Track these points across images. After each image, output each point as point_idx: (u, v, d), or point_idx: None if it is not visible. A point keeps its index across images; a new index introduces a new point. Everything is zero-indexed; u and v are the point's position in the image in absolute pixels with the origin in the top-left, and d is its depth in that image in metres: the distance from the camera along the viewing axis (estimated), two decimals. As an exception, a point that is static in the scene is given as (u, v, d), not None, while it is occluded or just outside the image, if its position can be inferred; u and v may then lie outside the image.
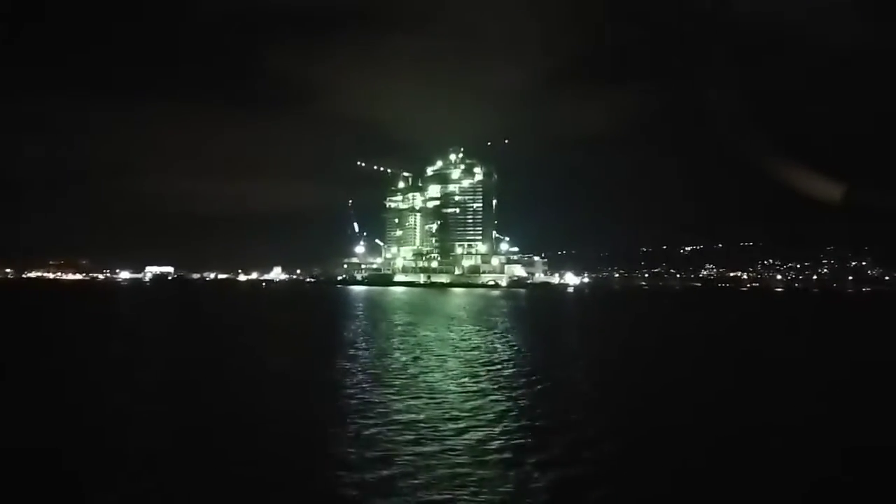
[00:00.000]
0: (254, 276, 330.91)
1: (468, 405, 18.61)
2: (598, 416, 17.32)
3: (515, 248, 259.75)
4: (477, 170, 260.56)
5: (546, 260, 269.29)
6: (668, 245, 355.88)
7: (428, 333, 39.04)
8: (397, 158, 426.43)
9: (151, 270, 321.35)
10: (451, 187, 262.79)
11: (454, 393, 20.39)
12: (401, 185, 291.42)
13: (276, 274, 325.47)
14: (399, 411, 17.76)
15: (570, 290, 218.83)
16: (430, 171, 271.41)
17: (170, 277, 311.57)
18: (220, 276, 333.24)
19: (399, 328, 42.56)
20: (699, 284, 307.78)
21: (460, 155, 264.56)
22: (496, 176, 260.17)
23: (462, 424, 16.23)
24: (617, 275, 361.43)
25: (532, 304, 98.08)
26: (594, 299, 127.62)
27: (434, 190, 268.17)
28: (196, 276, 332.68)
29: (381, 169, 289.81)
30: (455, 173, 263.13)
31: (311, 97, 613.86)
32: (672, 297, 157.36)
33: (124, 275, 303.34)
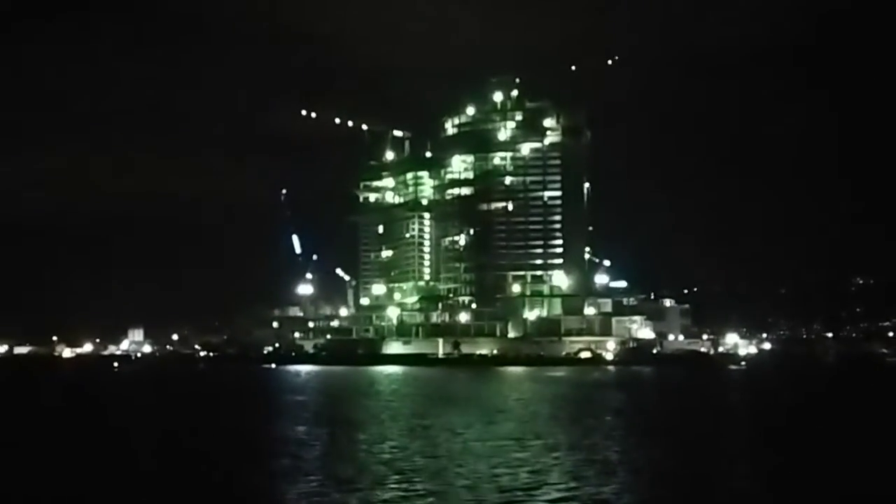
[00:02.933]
0: (87, 348, 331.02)
1: None
2: None
3: (623, 283, 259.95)
4: (549, 121, 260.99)
5: (687, 307, 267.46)
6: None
7: None
8: (380, 104, 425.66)
9: None
10: (499, 158, 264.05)
11: None
12: (389, 155, 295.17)
13: (135, 343, 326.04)
14: None
15: (742, 365, 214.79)
16: (450, 126, 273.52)
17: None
18: (19, 350, 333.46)
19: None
20: None
21: (514, 92, 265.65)
22: (590, 133, 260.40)
23: None
24: (828, 334, 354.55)
25: (701, 423, 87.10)
26: (826, 398, 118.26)
27: (461, 164, 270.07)
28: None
29: (349, 124, 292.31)
30: (504, 129, 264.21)
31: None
32: None
33: None
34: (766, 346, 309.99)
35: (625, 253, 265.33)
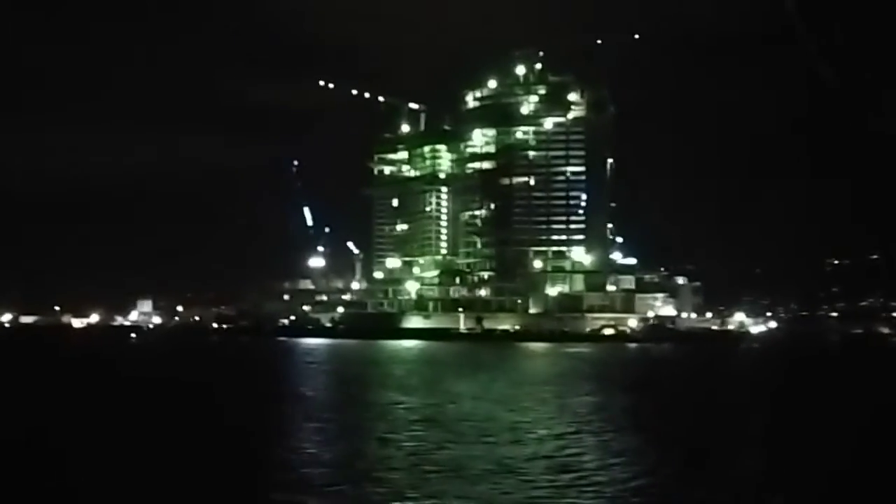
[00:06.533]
0: (93, 318, 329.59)
1: None
2: None
3: (633, 260, 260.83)
4: (573, 96, 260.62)
5: (699, 284, 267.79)
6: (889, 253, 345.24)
7: None
8: (397, 75, 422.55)
9: None
10: (521, 132, 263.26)
11: None
12: (405, 128, 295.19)
13: (144, 314, 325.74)
14: None
15: (754, 345, 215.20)
16: (471, 99, 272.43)
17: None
18: (25, 320, 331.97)
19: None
20: None
21: (538, 66, 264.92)
22: (613, 108, 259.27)
23: None
24: (830, 313, 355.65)
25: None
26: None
27: (481, 138, 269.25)
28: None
29: (366, 96, 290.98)
30: (527, 103, 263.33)
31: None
32: None
33: None
34: (773, 324, 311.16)
35: (633, 230, 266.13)
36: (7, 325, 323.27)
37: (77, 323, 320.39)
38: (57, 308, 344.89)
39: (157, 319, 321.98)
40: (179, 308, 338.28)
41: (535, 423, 49.84)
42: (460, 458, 36.46)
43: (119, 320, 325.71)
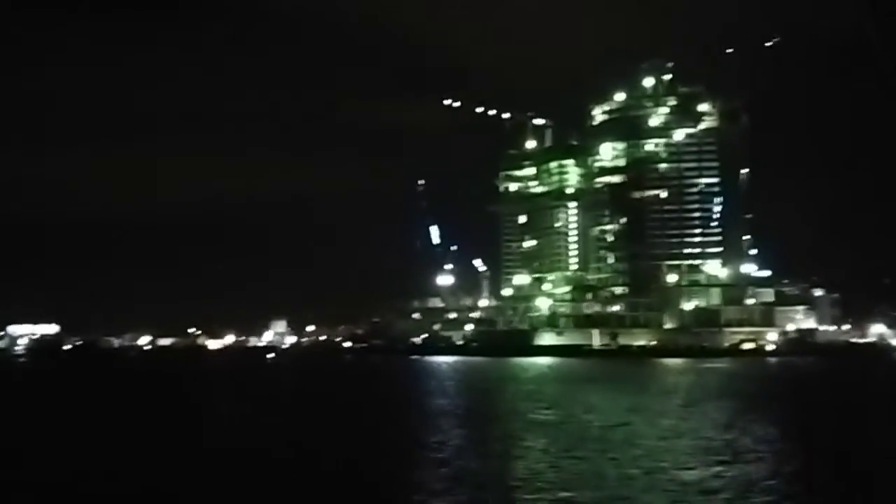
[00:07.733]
0: (229, 339, 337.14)
1: None
2: None
3: (767, 273, 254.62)
4: (704, 107, 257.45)
5: (837, 296, 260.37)
6: None
7: None
8: (522, 91, 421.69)
9: (20, 332, 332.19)
10: (651, 145, 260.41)
11: None
12: (530, 144, 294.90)
13: (280, 335, 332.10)
14: None
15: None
16: (599, 113, 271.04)
17: (66, 346, 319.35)
18: (162, 342, 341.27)
19: None
20: None
21: (667, 77, 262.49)
22: (746, 118, 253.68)
23: None
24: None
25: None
26: None
27: (610, 152, 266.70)
28: (115, 341, 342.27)
29: (491, 113, 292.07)
30: (657, 115, 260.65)
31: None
32: None
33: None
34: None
35: (767, 241, 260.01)
36: (146, 347, 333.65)
37: (213, 344, 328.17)
38: (192, 330, 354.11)
39: (290, 339, 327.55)
40: (310, 328, 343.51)
41: (745, 440, 49.51)
42: (706, 477, 36.78)
43: (252, 341, 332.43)
